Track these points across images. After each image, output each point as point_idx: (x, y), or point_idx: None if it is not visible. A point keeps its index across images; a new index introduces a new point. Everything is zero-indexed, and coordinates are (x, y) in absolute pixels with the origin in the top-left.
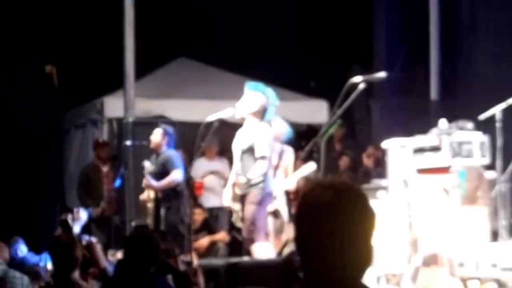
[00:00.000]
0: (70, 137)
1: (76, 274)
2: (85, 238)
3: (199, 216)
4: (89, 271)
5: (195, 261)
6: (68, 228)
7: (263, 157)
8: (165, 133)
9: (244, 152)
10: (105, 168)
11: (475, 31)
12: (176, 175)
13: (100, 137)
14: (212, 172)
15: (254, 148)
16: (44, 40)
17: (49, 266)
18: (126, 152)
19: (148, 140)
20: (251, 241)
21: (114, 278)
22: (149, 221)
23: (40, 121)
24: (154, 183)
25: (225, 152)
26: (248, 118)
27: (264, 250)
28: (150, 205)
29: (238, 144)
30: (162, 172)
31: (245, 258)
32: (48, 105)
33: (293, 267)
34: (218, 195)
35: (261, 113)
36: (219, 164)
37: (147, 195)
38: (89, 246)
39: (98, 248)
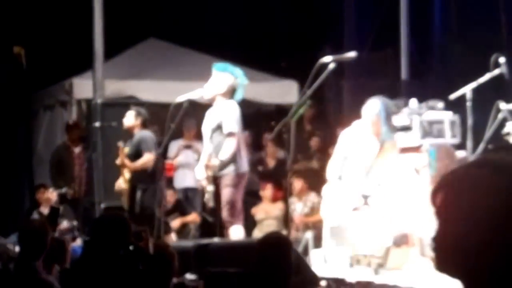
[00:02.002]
0: (38, 118)
1: (40, 263)
2: (64, 224)
3: (171, 197)
4: (53, 266)
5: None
6: (55, 217)
7: (230, 134)
8: (138, 114)
9: (214, 130)
10: (77, 150)
11: (445, 10)
12: (149, 158)
13: (69, 119)
14: (187, 147)
15: (222, 125)
16: (12, 20)
17: (17, 248)
18: (95, 133)
19: (118, 121)
20: (230, 223)
21: (81, 260)
22: (124, 202)
23: (8, 102)
24: (127, 162)
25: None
26: (217, 99)
27: (241, 232)
28: (125, 185)
29: (207, 124)
30: (135, 153)
31: (215, 240)
32: (16, 86)
33: (272, 248)
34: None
35: (230, 93)
36: (197, 145)
37: (123, 176)
38: (61, 243)
39: (69, 247)
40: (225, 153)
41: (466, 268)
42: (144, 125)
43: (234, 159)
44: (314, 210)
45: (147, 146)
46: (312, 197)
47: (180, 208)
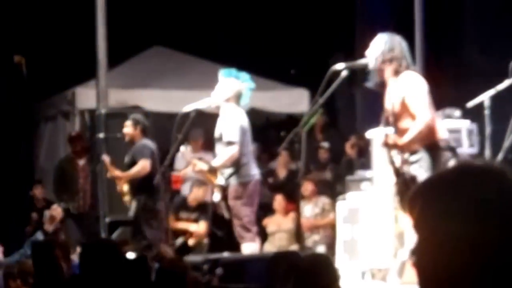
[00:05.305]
0: (40, 130)
1: None
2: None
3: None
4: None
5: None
6: None
7: (230, 143)
8: (136, 122)
9: (218, 140)
10: (81, 162)
11: (461, 16)
12: (142, 165)
13: (72, 130)
14: (198, 159)
15: (222, 134)
16: (12, 29)
17: None
18: (99, 145)
19: (122, 132)
20: (242, 239)
21: None
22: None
23: (9, 113)
24: (118, 172)
25: (211, 146)
26: (223, 105)
27: (251, 251)
28: (127, 198)
29: (215, 134)
30: (131, 163)
31: (225, 254)
32: (17, 96)
33: (289, 264)
34: None
35: (237, 98)
36: (204, 156)
37: (121, 190)
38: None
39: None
40: (219, 160)
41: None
42: (144, 132)
43: (235, 169)
44: (325, 211)
45: (141, 154)
46: (323, 199)
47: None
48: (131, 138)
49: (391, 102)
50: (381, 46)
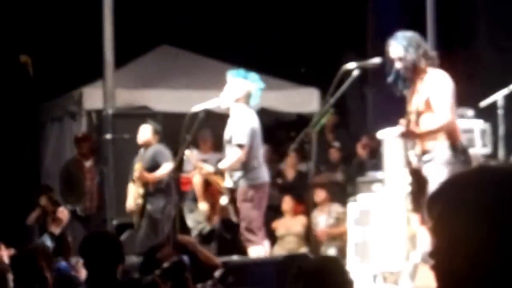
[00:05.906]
0: (46, 130)
1: None
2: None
3: None
4: None
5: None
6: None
7: (239, 146)
8: (156, 132)
9: (227, 142)
10: (88, 163)
11: (474, 14)
12: (169, 169)
13: (79, 131)
14: (205, 161)
15: (232, 136)
16: (18, 28)
17: None
18: (106, 146)
19: (130, 133)
20: (249, 242)
21: None
22: (135, 219)
23: (15, 114)
24: (147, 174)
25: (219, 146)
26: (233, 106)
27: (261, 254)
28: (139, 201)
29: (224, 136)
30: (152, 167)
31: (234, 257)
32: (23, 97)
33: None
34: None
35: (246, 99)
36: (213, 158)
37: (136, 192)
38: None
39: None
40: (226, 163)
41: None
42: (159, 141)
43: (244, 172)
44: (339, 221)
45: (165, 158)
46: (336, 207)
47: None
48: (146, 143)
49: (416, 102)
50: (406, 43)
